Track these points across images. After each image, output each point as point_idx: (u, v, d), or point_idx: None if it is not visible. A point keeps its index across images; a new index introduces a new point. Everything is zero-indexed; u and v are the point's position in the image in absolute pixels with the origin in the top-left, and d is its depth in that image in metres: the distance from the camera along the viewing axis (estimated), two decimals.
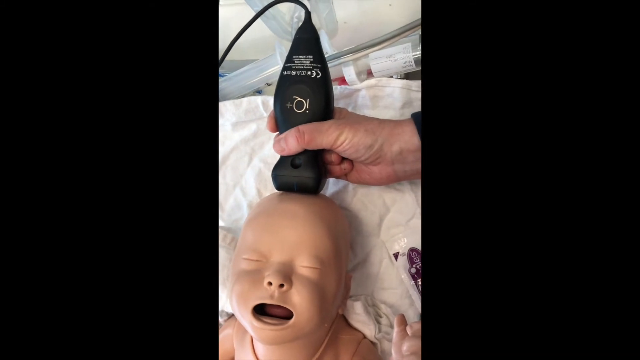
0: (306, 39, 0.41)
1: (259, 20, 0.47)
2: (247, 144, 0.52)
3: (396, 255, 0.47)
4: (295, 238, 0.36)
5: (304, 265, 0.36)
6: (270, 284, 0.34)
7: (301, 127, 0.39)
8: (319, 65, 0.40)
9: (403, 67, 0.46)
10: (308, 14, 0.42)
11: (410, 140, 0.39)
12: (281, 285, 0.34)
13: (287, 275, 0.35)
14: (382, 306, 0.47)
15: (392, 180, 0.42)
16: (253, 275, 0.35)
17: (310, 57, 0.40)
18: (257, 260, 0.36)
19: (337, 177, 0.45)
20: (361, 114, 0.50)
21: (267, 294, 0.34)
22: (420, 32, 0.45)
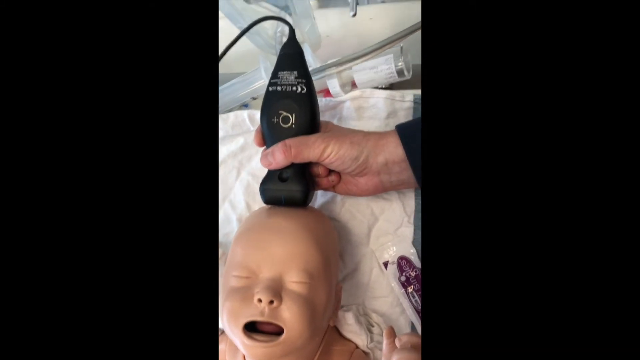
0: (291, 55, 0.42)
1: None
2: (235, 157, 0.52)
3: (386, 264, 0.48)
4: (284, 253, 0.37)
5: (293, 281, 0.36)
6: (260, 300, 0.34)
7: (288, 141, 0.40)
8: (303, 80, 0.41)
9: (386, 79, 0.46)
10: (292, 30, 0.43)
11: (394, 151, 0.39)
12: (271, 302, 0.34)
13: (276, 291, 0.35)
14: (374, 315, 0.47)
15: (379, 191, 0.43)
16: (243, 293, 0.36)
17: (295, 72, 0.41)
18: (246, 277, 0.37)
19: (325, 189, 0.46)
20: (347, 125, 0.50)
21: (257, 311, 0.34)
22: (401, 45, 0.45)
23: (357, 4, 0.43)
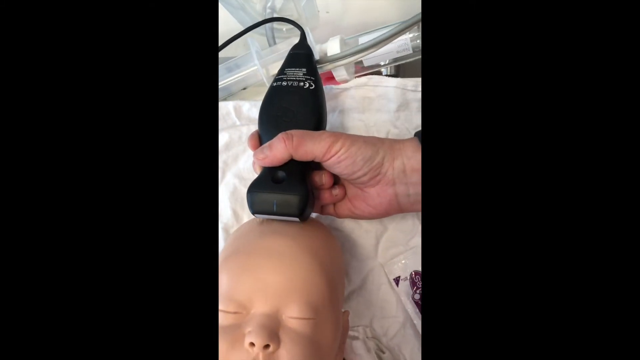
0: (300, 55, 0.39)
1: (224, 11, 0.39)
2: (218, 156, 0.45)
3: (397, 280, 0.42)
4: (282, 283, 0.30)
5: (294, 317, 0.29)
6: (252, 344, 0.27)
7: (290, 131, 0.33)
8: (312, 77, 0.37)
9: (397, 51, 0.39)
10: (303, 34, 0.40)
11: (413, 156, 0.33)
12: (266, 346, 0.27)
13: (273, 331, 0.28)
14: (384, 339, 0.41)
15: (393, 208, 0.35)
16: (230, 333, 0.29)
17: (304, 69, 0.38)
18: (234, 313, 0.29)
19: (325, 206, 0.38)
20: (350, 118, 0.43)
21: (249, 358, 0.27)
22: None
23: None
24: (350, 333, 0.40)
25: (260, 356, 0.27)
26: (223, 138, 0.45)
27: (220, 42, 0.41)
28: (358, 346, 0.38)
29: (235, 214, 0.44)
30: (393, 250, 0.42)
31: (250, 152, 0.44)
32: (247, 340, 0.27)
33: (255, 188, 0.34)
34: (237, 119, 0.44)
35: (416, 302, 0.41)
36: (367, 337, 0.41)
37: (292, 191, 0.33)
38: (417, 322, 0.41)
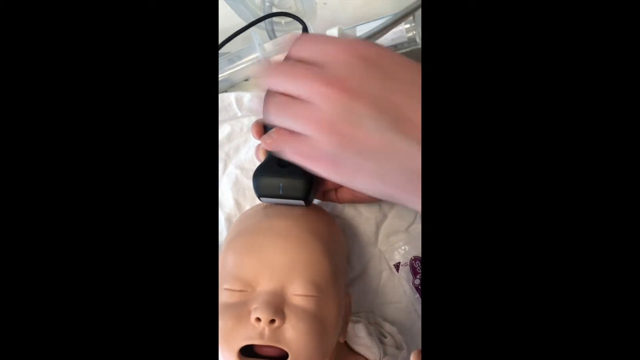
0: None
1: (225, 6, 0.40)
2: (220, 148, 0.46)
3: (397, 266, 0.42)
4: (286, 261, 0.30)
5: (298, 294, 0.30)
6: (258, 319, 0.28)
7: None
8: None
9: (392, 39, 0.41)
10: (305, 28, 0.41)
11: None
12: (272, 321, 0.28)
13: (278, 307, 0.29)
14: (386, 324, 0.42)
15: None
16: (237, 310, 0.29)
17: None
18: (240, 291, 0.30)
19: (326, 193, 0.39)
20: None
21: (255, 333, 0.28)
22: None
23: None
24: (353, 318, 0.41)
25: (266, 330, 0.28)
26: (225, 130, 0.46)
27: (223, 37, 0.43)
28: (360, 329, 0.38)
29: (238, 204, 0.44)
30: (393, 237, 0.43)
31: (251, 143, 0.45)
32: (254, 316, 0.28)
33: (261, 172, 0.34)
34: (238, 110, 0.45)
35: (416, 288, 0.42)
36: (369, 323, 0.41)
37: (297, 175, 0.33)
38: (418, 307, 0.41)
